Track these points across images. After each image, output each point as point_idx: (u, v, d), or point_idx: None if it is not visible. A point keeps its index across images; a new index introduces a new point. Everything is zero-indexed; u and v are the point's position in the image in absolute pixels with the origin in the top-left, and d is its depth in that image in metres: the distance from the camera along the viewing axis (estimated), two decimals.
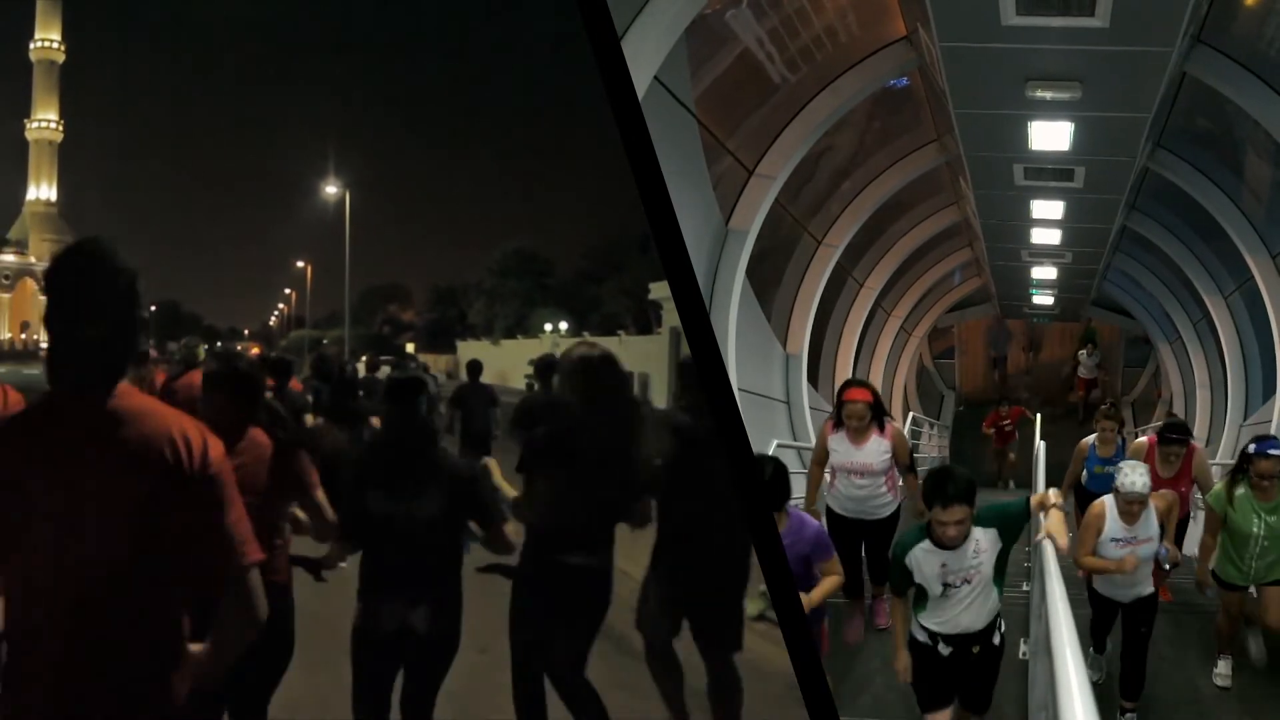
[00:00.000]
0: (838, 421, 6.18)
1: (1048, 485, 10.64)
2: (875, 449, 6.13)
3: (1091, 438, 8.23)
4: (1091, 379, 19.12)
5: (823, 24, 8.99)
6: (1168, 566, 6.60)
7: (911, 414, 16.87)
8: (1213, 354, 14.05)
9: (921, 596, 4.81)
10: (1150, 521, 5.84)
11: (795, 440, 11.01)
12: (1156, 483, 6.38)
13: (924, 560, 4.70)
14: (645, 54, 6.23)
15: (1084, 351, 19.01)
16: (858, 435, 6.11)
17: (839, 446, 6.20)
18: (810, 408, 11.77)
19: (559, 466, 4.08)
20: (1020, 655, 5.90)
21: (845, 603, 6.58)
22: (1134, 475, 5.70)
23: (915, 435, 16.05)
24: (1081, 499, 8.19)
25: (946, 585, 4.68)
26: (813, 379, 12.55)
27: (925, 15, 6.81)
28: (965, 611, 4.73)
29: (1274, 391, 11.56)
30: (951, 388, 21.86)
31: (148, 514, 2.25)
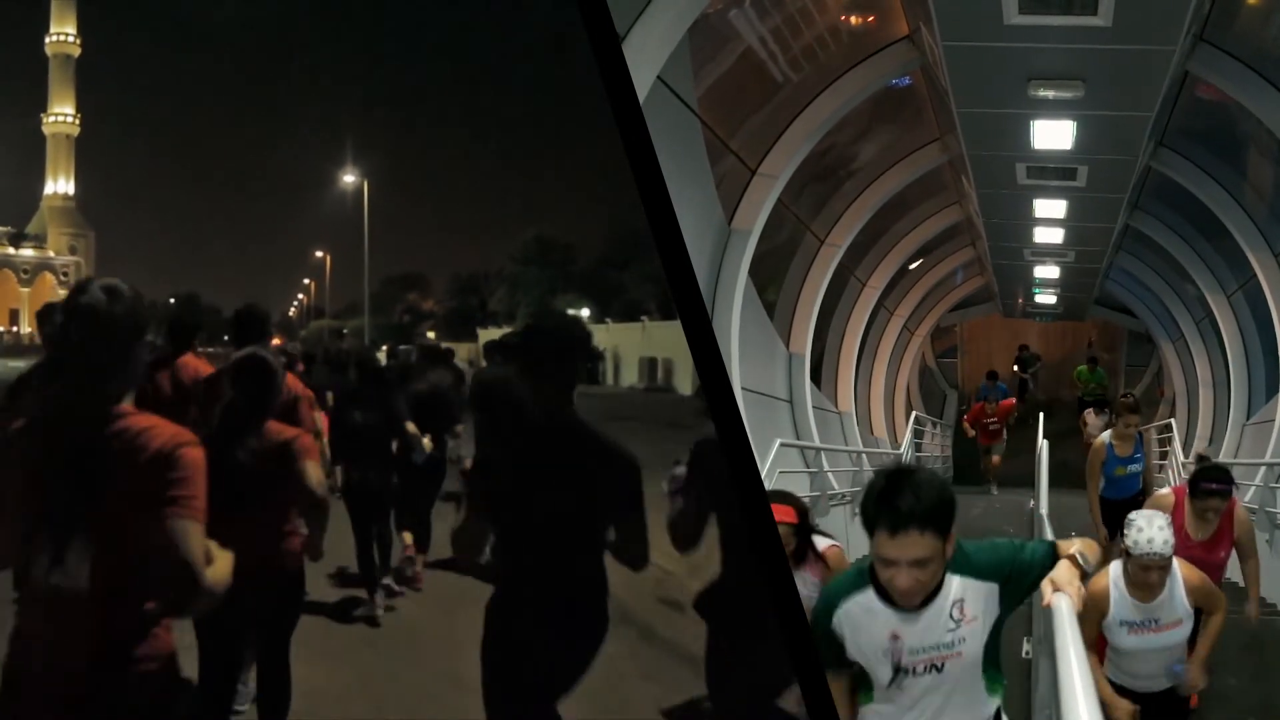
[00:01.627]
0: None
1: (1050, 488, 10.63)
2: (802, 588, 4.10)
3: (1108, 434, 7.41)
4: None
5: (825, 23, 9.00)
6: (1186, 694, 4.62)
7: (914, 413, 16.89)
8: (1215, 352, 14.05)
9: (866, 680, 3.04)
10: (1176, 597, 4.29)
11: (798, 439, 11.02)
12: (1186, 548, 5.01)
13: (863, 622, 2.94)
14: (648, 53, 6.23)
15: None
16: None
17: None
18: (813, 407, 11.77)
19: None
20: (1023, 654, 5.88)
21: None
22: (1150, 529, 4.11)
23: (918, 435, 16.06)
24: (1100, 508, 7.51)
25: (900, 670, 2.91)
26: (815, 378, 12.55)
27: (927, 14, 6.81)
28: (934, 712, 2.96)
29: (1277, 390, 11.56)
30: (954, 387, 21.88)
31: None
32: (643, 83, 6.25)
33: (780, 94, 9.28)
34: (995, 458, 15.27)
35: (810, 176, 10.73)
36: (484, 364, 7.85)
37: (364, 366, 6.71)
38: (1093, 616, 4.25)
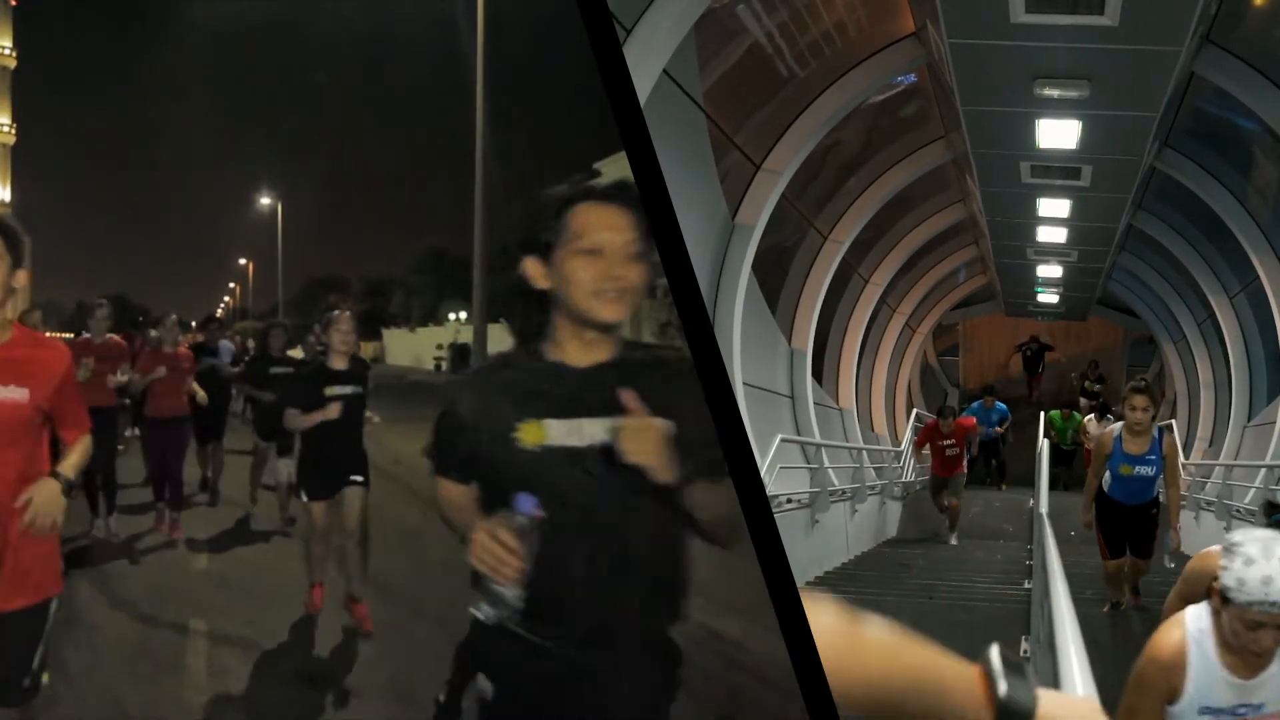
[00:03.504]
0: None
1: (1051, 495, 10.57)
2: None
3: (1117, 427, 6.47)
4: None
5: (832, 19, 8.98)
6: None
7: (915, 411, 16.91)
8: (1217, 354, 14.04)
9: None
10: None
11: (799, 434, 11.02)
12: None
13: None
14: (654, 47, 6.23)
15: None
16: None
17: None
18: (814, 403, 11.78)
19: None
20: (1022, 653, 5.88)
21: None
22: (1269, 563, 2.57)
23: (918, 432, 16.06)
24: (1102, 511, 6.71)
25: None
26: (817, 375, 12.55)
27: (934, 12, 6.80)
28: None
29: (1278, 392, 11.56)
30: (955, 385, 21.85)
31: None
32: (648, 76, 6.25)
33: (785, 89, 9.27)
34: (953, 500, 11.67)
35: (814, 172, 10.72)
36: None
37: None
38: (1155, 696, 2.81)
